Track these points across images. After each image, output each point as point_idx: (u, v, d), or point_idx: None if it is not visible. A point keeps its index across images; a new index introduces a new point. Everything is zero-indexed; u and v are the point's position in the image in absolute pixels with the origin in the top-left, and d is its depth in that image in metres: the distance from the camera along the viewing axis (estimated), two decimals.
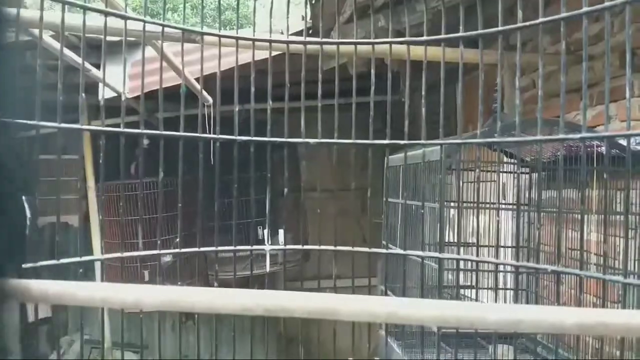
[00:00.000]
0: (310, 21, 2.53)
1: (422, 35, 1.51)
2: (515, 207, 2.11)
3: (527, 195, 2.17)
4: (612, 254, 1.72)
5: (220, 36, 1.40)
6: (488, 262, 1.58)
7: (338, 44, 1.46)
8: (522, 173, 2.23)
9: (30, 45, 2.23)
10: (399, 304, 0.61)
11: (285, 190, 1.60)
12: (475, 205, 1.63)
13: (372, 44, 1.41)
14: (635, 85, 2.08)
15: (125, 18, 1.23)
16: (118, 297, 0.65)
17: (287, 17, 1.49)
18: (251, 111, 1.54)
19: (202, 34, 1.39)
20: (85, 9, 1.18)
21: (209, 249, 1.56)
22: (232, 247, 1.51)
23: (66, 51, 1.90)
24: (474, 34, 1.29)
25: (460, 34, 1.30)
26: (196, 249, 1.56)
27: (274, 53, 1.63)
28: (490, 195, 2.18)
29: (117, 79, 2.48)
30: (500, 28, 1.24)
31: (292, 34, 1.73)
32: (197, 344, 1.71)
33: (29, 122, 1.17)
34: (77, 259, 1.34)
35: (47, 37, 1.86)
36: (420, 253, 1.41)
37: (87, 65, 1.97)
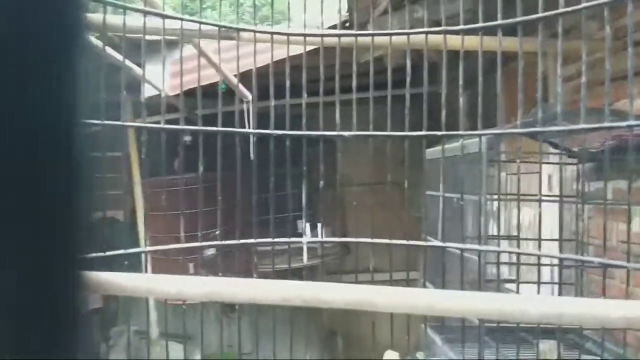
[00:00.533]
0: (347, 14, 2.52)
1: (460, 25, 1.48)
2: (559, 199, 2.04)
3: (573, 186, 2.09)
4: None
5: (255, 32, 1.42)
6: (529, 255, 1.54)
7: (372, 35, 1.44)
8: (566, 164, 2.15)
9: None
10: (438, 296, 0.60)
11: (321, 183, 1.60)
12: (516, 197, 1.59)
13: (407, 34, 1.40)
14: None
15: (163, 17, 1.26)
16: (161, 288, 0.67)
17: (321, 11, 1.49)
18: (286, 106, 1.55)
19: (238, 30, 1.41)
20: (125, 8, 1.22)
21: (247, 242, 1.58)
22: (269, 240, 1.53)
23: (109, 51, 1.96)
24: (513, 21, 1.25)
25: (499, 22, 1.26)
26: (235, 242, 1.59)
27: (309, 48, 1.64)
28: (538, 187, 2.11)
29: (159, 77, 2.55)
30: (540, 14, 1.19)
31: (327, 28, 1.73)
32: (239, 335, 1.75)
33: (92, 120, 1.22)
34: (122, 251, 1.40)
35: (91, 38, 1.93)
36: (460, 245, 1.39)
37: (129, 64, 2.03)
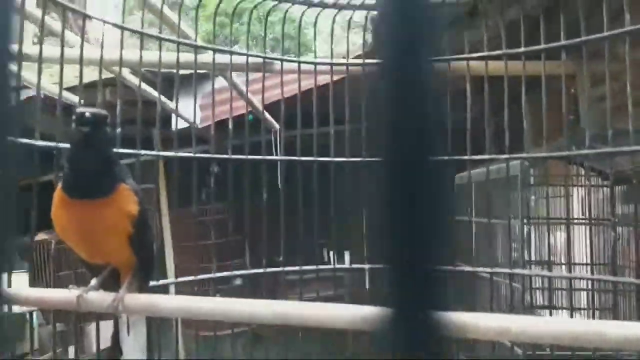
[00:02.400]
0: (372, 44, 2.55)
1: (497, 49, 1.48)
2: (598, 222, 1.99)
3: (610, 209, 2.04)
4: None
5: (282, 60, 1.44)
6: (561, 278, 1.49)
7: None
8: (599, 186, 2.10)
9: (110, 82, 2.39)
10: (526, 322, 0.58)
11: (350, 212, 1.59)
12: (546, 221, 1.56)
13: (447, 60, 1.40)
14: None
15: (195, 47, 1.29)
16: (234, 309, 0.66)
17: (347, 41, 1.51)
18: (314, 133, 1.56)
19: (282, 60, 1.44)
20: (160, 39, 1.25)
21: (275, 270, 1.58)
22: (297, 267, 1.52)
23: (142, 86, 2.02)
24: (536, 48, 1.25)
25: (541, 46, 1.26)
26: (262, 270, 1.58)
27: (336, 77, 1.66)
28: (576, 210, 2.07)
29: (190, 110, 2.60)
30: (563, 42, 1.19)
31: (353, 58, 1.75)
32: None
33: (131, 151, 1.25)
34: (154, 282, 1.40)
35: (127, 74, 1.99)
36: (489, 270, 1.35)
37: (162, 98, 2.09)
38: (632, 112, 1.59)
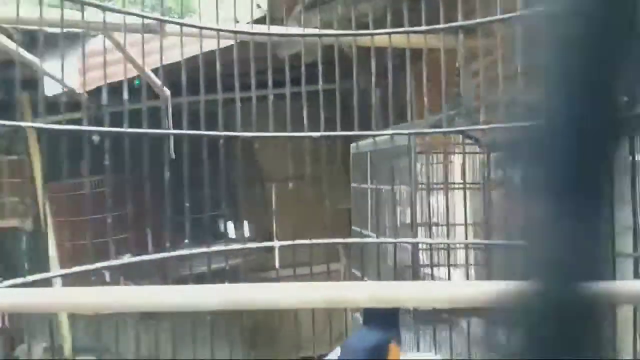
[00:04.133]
0: (266, 10, 2.50)
1: (381, 22, 1.52)
2: (475, 186, 2.19)
3: (485, 174, 2.25)
4: None
5: (182, 25, 1.36)
6: (458, 243, 1.63)
7: (303, 36, 1.45)
8: (474, 153, 2.30)
9: None
10: (378, 287, 0.62)
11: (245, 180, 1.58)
12: (441, 186, 1.68)
13: (336, 35, 1.42)
14: None
15: (83, 4, 1.16)
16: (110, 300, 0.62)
17: (234, 6, 1.46)
18: (201, 103, 1.51)
19: (163, 21, 1.34)
20: None
21: (180, 252, 1.52)
22: (205, 249, 1.48)
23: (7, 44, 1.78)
24: (419, 29, 1.32)
25: (424, 27, 1.32)
26: (166, 254, 1.52)
27: (224, 44, 1.61)
28: (452, 176, 2.24)
29: (65, 73, 2.35)
30: (460, 23, 1.27)
31: (246, 23, 1.70)
32: (156, 342, 1.68)
33: None
34: (43, 275, 1.28)
35: None
36: (393, 240, 1.44)
37: (30, 57, 1.86)
38: (503, 86, 1.75)
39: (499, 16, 1.28)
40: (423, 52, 1.45)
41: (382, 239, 1.47)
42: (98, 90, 1.76)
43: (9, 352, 3.11)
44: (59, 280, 2.12)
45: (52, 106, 1.83)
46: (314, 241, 1.45)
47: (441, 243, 1.59)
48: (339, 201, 2.48)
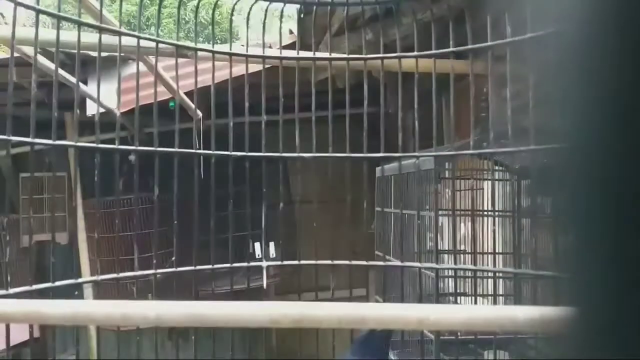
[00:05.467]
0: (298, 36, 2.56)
1: (409, 47, 1.54)
2: (504, 214, 2.15)
3: (516, 201, 2.21)
4: None
5: (214, 52, 1.41)
6: (484, 271, 1.60)
7: (330, 60, 1.48)
8: (510, 180, 2.26)
9: (21, 63, 2.21)
10: (430, 310, 0.62)
11: (282, 204, 1.60)
12: (468, 212, 1.66)
13: (364, 59, 1.44)
14: None
15: (120, 34, 1.23)
16: (139, 313, 0.64)
17: (280, 32, 1.51)
18: (246, 125, 1.55)
19: (197, 49, 1.40)
20: (80, 24, 1.18)
21: (205, 267, 1.55)
22: (228, 265, 1.50)
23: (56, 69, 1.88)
24: (464, 49, 1.33)
25: (451, 49, 1.33)
26: (192, 268, 1.55)
27: (266, 66, 1.65)
28: (481, 203, 2.21)
29: (105, 95, 2.46)
30: (489, 43, 1.27)
31: (282, 47, 1.75)
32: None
33: (25, 139, 1.16)
34: (73, 280, 1.33)
35: (38, 56, 1.85)
36: (417, 264, 1.43)
37: (70, 79, 1.96)
38: (533, 112, 1.73)
39: (508, 39, 1.27)
40: (450, 77, 1.45)
41: (404, 263, 1.45)
42: (133, 113, 1.83)
43: None
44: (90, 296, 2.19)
45: (94, 126, 1.91)
46: (335, 262, 1.45)
47: (466, 269, 1.56)
48: (368, 226, 2.46)
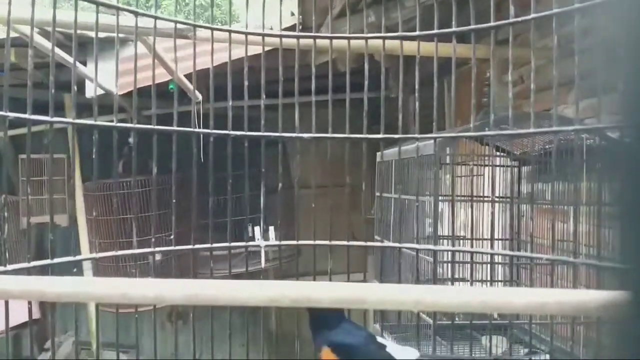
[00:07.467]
0: (300, 17, 2.53)
1: (412, 31, 1.52)
2: (504, 200, 2.14)
3: (516, 188, 2.20)
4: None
5: (212, 29, 1.39)
6: (483, 253, 1.60)
7: (331, 38, 1.46)
8: (511, 166, 2.25)
9: (20, 44, 2.19)
10: (425, 291, 0.62)
11: (280, 185, 1.59)
12: (469, 198, 1.65)
13: (365, 38, 1.42)
14: None
15: (117, 9, 1.21)
16: (138, 292, 0.64)
17: (280, 11, 1.48)
18: (245, 106, 1.54)
19: (195, 26, 1.38)
20: None
21: (203, 247, 1.55)
22: (226, 244, 1.50)
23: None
24: (467, 29, 1.30)
25: (453, 29, 1.31)
26: (190, 247, 1.55)
27: (266, 49, 1.63)
28: (482, 189, 2.20)
29: (103, 77, 2.44)
30: (493, 24, 1.25)
31: (283, 30, 1.72)
32: (193, 342, 1.70)
33: (22, 115, 1.15)
34: (71, 258, 1.33)
35: (35, 35, 1.83)
36: (415, 246, 1.42)
37: (67, 59, 1.94)
38: (535, 97, 1.71)
39: (512, 20, 1.24)
40: (452, 60, 1.43)
41: (401, 245, 1.45)
42: (138, 93, 1.81)
43: (41, 344, 3.22)
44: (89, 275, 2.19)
45: (91, 109, 1.90)
46: (333, 243, 1.45)
47: (463, 251, 1.56)
48: (370, 210, 2.46)
